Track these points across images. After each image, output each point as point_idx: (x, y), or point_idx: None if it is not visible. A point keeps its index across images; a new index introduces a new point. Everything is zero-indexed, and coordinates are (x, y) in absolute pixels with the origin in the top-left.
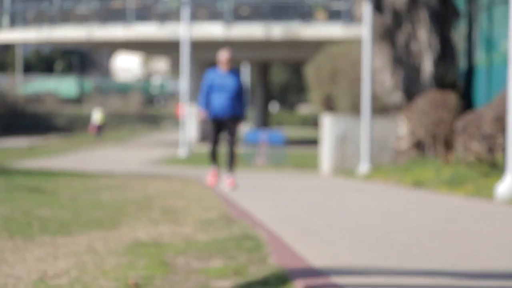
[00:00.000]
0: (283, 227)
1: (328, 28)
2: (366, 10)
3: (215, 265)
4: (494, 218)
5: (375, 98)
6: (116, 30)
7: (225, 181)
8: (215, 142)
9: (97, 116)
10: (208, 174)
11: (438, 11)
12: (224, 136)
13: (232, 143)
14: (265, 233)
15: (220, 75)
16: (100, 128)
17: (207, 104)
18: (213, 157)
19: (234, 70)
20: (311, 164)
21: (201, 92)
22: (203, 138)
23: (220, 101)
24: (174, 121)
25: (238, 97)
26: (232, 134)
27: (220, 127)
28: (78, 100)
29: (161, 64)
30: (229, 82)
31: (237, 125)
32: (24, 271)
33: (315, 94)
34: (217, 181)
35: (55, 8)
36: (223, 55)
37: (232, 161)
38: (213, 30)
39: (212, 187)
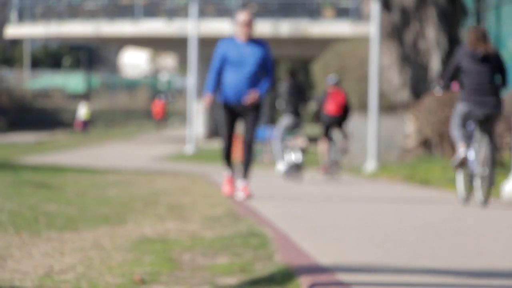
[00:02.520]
0: (289, 225)
1: (336, 26)
2: (374, 8)
3: (221, 262)
4: (501, 217)
5: (382, 96)
6: (124, 26)
7: (238, 188)
8: (229, 138)
9: (82, 111)
10: (223, 180)
11: (446, 9)
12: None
13: (249, 139)
14: (271, 230)
15: (237, 46)
16: (86, 124)
17: (218, 86)
18: (227, 158)
19: (257, 40)
20: (318, 162)
21: (210, 70)
22: (210, 134)
23: (236, 81)
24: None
25: (261, 75)
26: (251, 126)
27: (234, 116)
28: (86, 95)
29: (168, 61)
30: (249, 55)
31: (258, 115)
32: (30, 266)
33: (322, 92)
34: (234, 189)
35: (63, 3)
36: (241, 17)
37: (248, 164)
38: (221, 26)
39: (230, 197)
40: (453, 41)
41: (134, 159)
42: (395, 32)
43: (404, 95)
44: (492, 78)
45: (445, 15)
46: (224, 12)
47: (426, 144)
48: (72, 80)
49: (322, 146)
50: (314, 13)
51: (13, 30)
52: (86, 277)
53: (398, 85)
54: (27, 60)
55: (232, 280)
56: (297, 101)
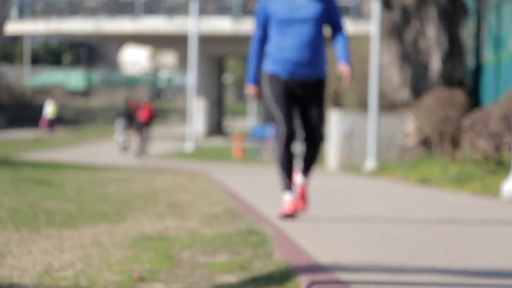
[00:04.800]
0: (288, 223)
1: None
2: (375, 7)
3: (220, 260)
4: (500, 216)
5: (382, 94)
6: (124, 23)
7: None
8: (290, 131)
9: (49, 109)
10: (284, 199)
11: (446, 8)
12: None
13: (317, 131)
14: (270, 228)
15: None
16: (53, 122)
17: (262, 61)
18: (287, 166)
19: None
20: (318, 160)
21: (252, 41)
22: (210, 132)
23: (289, 48)
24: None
25: (322, 35)
26: (317, 115)
27: (292, 99)
28: (86, 92)
29: (168, 58)
30: (305, 8)
31: (323, 98)
32: (29, 263)
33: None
34: (301, 204)
35: (64, 0)
36: None
37: (313, 161)
38: (221, 24)
39: (297, 212)
40: (453, 40)
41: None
42: (396, 31)
43: (404, 94)
44: None
45: (446, 14)
46: (224, 10)
47: (426, 143)
48: (72, 77)
49: None
50: None
51: (14, 27)
52: (85, 274)
53: (398, 84)
54: (27, 56)
55: (231, 278)
56: None
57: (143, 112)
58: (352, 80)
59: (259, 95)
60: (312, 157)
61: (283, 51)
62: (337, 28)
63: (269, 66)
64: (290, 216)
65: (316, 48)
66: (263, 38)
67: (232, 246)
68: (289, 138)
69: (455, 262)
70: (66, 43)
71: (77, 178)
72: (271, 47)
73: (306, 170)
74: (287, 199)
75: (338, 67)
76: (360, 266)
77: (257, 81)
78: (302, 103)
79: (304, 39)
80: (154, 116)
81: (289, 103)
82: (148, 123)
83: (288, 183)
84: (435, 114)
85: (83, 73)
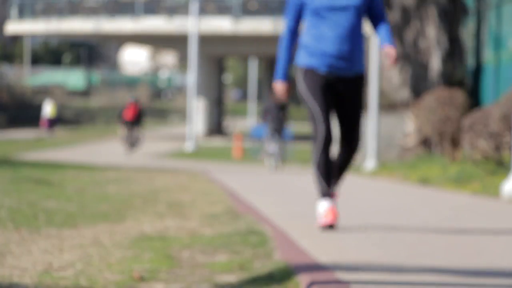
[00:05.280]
0: (288, 223)
1: None
2: None
3: (220, 260)
4: (500, 216)
5: (382, 94)
6: (124, 23)
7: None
8: (329, 130)
9: (48, 109)
10: (322, 207)
11: (446, 8)
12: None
13: (354, 134)
14: (270, 228)
15: None
16: (52, 122)
17: (293, 55)
18: (326, 170)
19: None
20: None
21: (283, 33)
22: (210, 132)
23: (327, 40)
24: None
25: (362, 26)
26: (356, 112)
27: (330, 96)
28: (86, 92)
29: (169, 58)
30: None
31: (361, 94)
32: (29, 263)
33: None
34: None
35: (64, 0)
36: None
37: (346, 167)
38: (221, 24)
39: (333, 224)
40: (453, 40)
41: (134, 156)
42: (396, 30)
43: (404, 93)
44: None
45: (446, 14)
46: (224, 10)
47: (426, 142)
48: (72, 77)
49: None
50: None
51: (14, 27)
52: (85, 274)
53: (398, 83)
54: (27, 56)
55: (231, 277)
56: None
57: (129, 112)
58: (397, 62)
59: (289, 93)
60: (345, 163)
61: (321, 42)
62: (379, 18)
63: (305, 60)
64: (330, 226)
65: (356, 39)
66: (295, 30)
67: (232, 246)
68: (328, 138)
69: (455, 262)
70: (66, 43)
71: (77, 178)
72: (307, 38)
73: (337, 177)
74: (326, 208)
75: (383, 49)
76: (360, 266)
77: (287, 77)
78: (339, 101)
79: (344, 29)
80: (141, 116)
81: (328, 100)
82: (135, 122)
83: (327, 189)
84: (435, 114)
85: (83, 73)
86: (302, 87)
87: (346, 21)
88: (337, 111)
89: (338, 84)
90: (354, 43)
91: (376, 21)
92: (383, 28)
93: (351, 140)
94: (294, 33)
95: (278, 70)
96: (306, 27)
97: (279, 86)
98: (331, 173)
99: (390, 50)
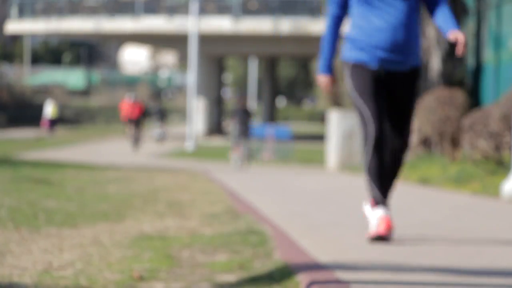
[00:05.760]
0: (288, 222)
1: None
2: None
3: (220, 259)
4: (500, 216)
5: None
6: (124, 22)
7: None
8: (380, 130)
9: (49, 109)
10: (374, 215)
11: None
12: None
13: (405, 135)
14: (270, 227)
15: None
16: (53, 123)
17: (337, 45)
18: (378, 174)
19: None
20: (318, 160)
21: (327, 22)
22: (210, 132)
23: (378, 30)
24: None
25: (420, 16)
26: (408, 112)
27: (381, 93)
28: (86, 92)
29: (169, 58)
30: None
31: (416, 90)
32: (29, 262)
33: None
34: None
35: None
36: None
37: (395, 173)
38: (221, 24)
39: (386, 236)
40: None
41: (134, 156)
42: None
43: None
44: None
45: None
46: (224, 9)
47: (426, 142)
48: (72, 77)
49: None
50: (314, 11)
51: (14, 26)
52: (85, 273)
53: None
54: (27, 56)
55: (231, 277)
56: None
57: (133, 110)
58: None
59: (333, 87)
60: (395, 169)
61: (371, 34)
62: (438, 2)
63: (352, 53)
64: (383, 238)
65: (411, 28)
66: (340, 18)
67: (232, 246)
68: (380, 139)
69: (455, 262)
70: (66, 43)
71: (77, 177)
72: (354, 29)
73: (387, 182)
74: (378, 216)
75: (449, 36)
76: (360, 266)
77: (331, 70)
78: (391, 98)
79: (398, 18)
80: (149, 113)
81: (379, 98)
82: (139, 120)
83: (379, 195)
84: (435, 113)
85: (83, 73)
86: (349, 84)
87: (400, 9)
88: (387, 108)
89: (390, 80)
90: (410, 33)
91: (434, 5)
92: (444, 12)
93: (400, 140)
94: (338, 22)
95: (321, 62)
96: (353, 17)
97: (322, 80)
98: (385, 178)
99: (459, 36)
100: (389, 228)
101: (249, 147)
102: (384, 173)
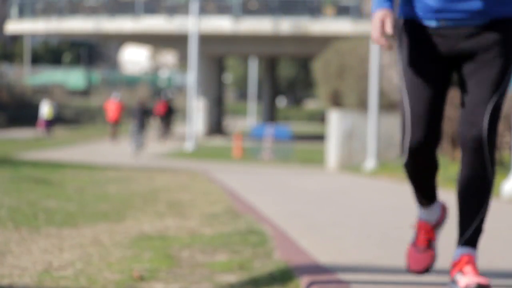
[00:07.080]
0: (288, 222)
1: (337, 24)
2: None
3: (220, 259)
4: (500, 216)
5: (382, 94)
6: (124, 22)
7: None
8: (420, 138)
9: (45, 109)
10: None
11: None
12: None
13: (492, 125)
14: (270, 228)
15: None
16: (50, 124)
17: None
18: (418, 184)
19: None
20: (317, 160)
21: None
22: (210, 131)
23: None
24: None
25: None
26: (492, 94)
27: (440, 66)
28: (86, 92)
29: (169, 58)
30: None
31: (509, 54)
32: (29, 262)
33: (322, 90)
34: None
35: None
36: None
37: (484, 211)
38: (221, 24)
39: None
40: None
41: (134, 156)
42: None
43: None
44: None
45: None
46: (224, 9)
47: None
48: (72, 77)
49: None
50: (314, 11)
51: (14, 26)
52: (85, 273)
53: (398, 83)
54: (27, 56)
55: (231, 277)
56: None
57: (160, 107)
58: None
59: (396, 28)
60: (475, 186)
61: None
62: None
63: (402, 7)
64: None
65: None
66: None
67: (232, 246)
68: (419, 145)
69: None
70: (66, 43)
71: (77, 177)
72: None
73: (466, 217)
74: (418, 228)
75: None
76: (360, 266)
77: (391, 2)
78: (466, 69)
79: None
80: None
81: (433, 83)
82: (166, 116)
83: (424, 197)
84: None
85: (83, 73)
86: (398, 58)
87: None
88: (460, 86)
89: (462, 43)
90: None
91: None
92: None
93: (478, 136)
94: None
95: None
96: None
97: (377, 17)
98: (427, 187)
99: None
100: (428, 263)
101: (142, 141)
102: (427, 182)
